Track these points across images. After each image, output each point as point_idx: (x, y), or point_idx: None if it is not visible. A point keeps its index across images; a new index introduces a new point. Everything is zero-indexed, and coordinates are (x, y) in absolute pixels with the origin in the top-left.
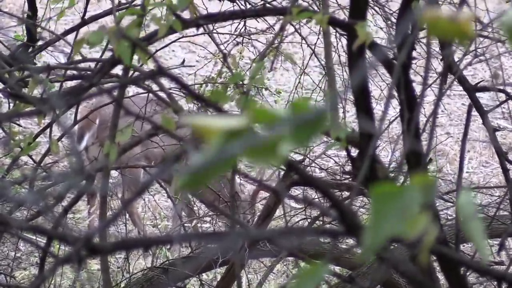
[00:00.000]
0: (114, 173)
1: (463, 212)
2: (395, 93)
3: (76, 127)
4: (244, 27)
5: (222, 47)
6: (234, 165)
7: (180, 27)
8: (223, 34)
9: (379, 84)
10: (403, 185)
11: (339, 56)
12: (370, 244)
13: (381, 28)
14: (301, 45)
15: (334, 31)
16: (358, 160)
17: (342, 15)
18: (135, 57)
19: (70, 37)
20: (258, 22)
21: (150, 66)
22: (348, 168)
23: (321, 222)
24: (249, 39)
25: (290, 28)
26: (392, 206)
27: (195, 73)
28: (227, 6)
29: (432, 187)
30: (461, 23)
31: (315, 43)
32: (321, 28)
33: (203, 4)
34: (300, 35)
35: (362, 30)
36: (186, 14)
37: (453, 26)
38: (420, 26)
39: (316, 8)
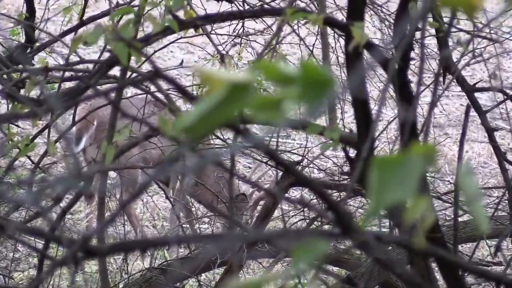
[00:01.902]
0: (112, 174)
1: (464, 187)
2: (393, 94)
3: (74, 128)
4: (242, 28)
5: (220, 48)
6: (237, 115)
7: (176, 26)
8: (221, 35)
9: (378, 85)
10: (403, 153)
11: (337, 57)
12: (373, 210)
13: (379, 29)
14: (299, 46)
15: (332, 32)
16: (356, 161)
17: (340, 16)
18: (133, 58)
19: (68, 38)
20: (257, 23)
21: (148, 67)
22: (346, 168)
23: (319, 223)
24: (247, 40)
25: (288, 29)
26: (394, 173)
27: (193, 73)
28: (225, 7)
29: (432, 155)
30: None
31: (313, 44)
32: (319, 29)
33: (202, 5)
34: (298, 35)
35: (357, 31)
36: (183, 15)
37: None
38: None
39: (314, 9)
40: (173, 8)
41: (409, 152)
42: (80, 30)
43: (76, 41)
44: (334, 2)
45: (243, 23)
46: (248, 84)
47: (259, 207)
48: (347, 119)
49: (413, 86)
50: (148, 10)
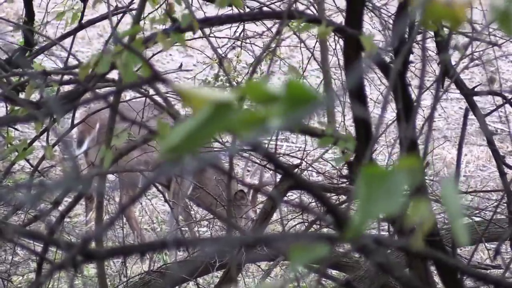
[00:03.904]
0: (111, 177)
1: (446, 202)
2: (392, 97)
3: (76, 131)
4: (242, 31)
5: (219, 51)
6: (220, 132)
7: (184, 41)
8: (220, 38)
9: (377, 87)
10: (390, 168)
11: (338, 59)
12: (358, 223)
13: (379, 31)
14: (300, 48)
15: (332, 34)
16: (355, 164)
17: (340, 18)
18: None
19: (67, 41)
20: (257, 25)
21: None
22: (345, 172)
23: (318, 226)
24: (245, 43)
25: (287, 31)
26: (379, 187)
27: (194, 77)
28: (225, 10)
29: (418, 169)
30: (456, 8)
31: (314, 46)
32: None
33: (201, 8)
34: (299, 38)
35: (367, 40)
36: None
37: (448, 11)
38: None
39: (313, 11)
40: (182, 25)
41: (396, 166)
42: (79, 34)
43: (84, 69)
44: (335, 3)
45: (243, 26)
46: (231, 103)
47: (256, 212)
48: (347, 122)
49: (412, 88)
50: (149, 14)
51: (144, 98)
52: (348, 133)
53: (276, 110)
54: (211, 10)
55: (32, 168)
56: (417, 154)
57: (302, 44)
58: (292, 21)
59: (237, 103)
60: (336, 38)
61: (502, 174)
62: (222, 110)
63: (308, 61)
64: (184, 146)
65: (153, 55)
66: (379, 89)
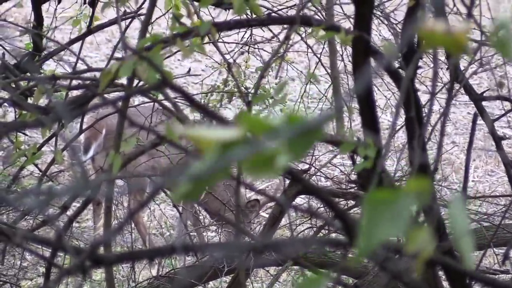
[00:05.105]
0: (120, 182)
1: (453, 221)
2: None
3: (83, 137)
4: (250, 36)
5: (228, 56)
6: (230, 174)
7: (204, 50)
8: (228, 43)
9: (385, 93)
10: (397, 190)
11: (345, 65)
12: (363, 248)
13: (386, 39)
14: (307, 54)
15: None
16: (363, 169)
17: (347, 24)
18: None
19: (76, 46)
20: (264, 31)
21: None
22: (353, 177)
23: (326, 231)
24: (254, 48)
25: (296, 37)
26: (385, 211)
27: (202, 81)
28: (233, 15)
29: (426, 192)
30: (456, 36)
31: (321, 52)
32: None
33: (211, 13)
34: (306, 43)
35: (388, 47)
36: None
37: (448, 39)
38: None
39: (320, 17)
40: (201, 32)
41: (402, 189)
42: (88, 39)
43: (106, 75)
44: (342, 10)
45: (251, 31)
46: (237, 140)
47: (264, 217)
48: (354, 127)
49: (419, 94)
50: (156, 19)
51: (152, 103)
52: (368, 140)
53: (282, 148)
54: (217, 15)
55: (40, 173)
56: (427, 172)
57: (310, 50)
58: (301, 27)
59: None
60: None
61: (511, 179)
62: (230, 148)
63: (316, 66)
64: (195, 192)
65: (163, 60)
66: (385, 95)
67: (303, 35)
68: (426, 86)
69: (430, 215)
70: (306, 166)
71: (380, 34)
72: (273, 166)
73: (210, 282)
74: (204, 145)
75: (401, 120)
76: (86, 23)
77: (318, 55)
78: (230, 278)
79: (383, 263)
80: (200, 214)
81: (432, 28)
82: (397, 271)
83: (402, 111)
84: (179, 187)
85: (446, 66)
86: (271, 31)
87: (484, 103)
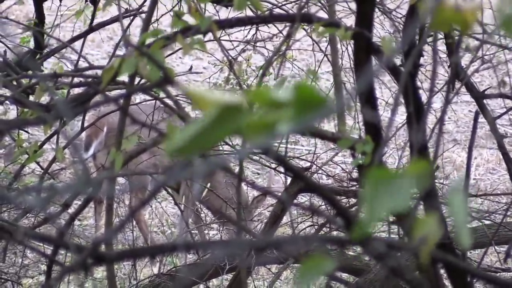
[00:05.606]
0: (121, 180)
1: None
2: (402, 101)
3: (84, 134)
4: (256, 33)
5: (230, 53)
6: (226, 137)
7: (204, 46)
8: (230, 41)
9: (386, 90)
10: (397, 171)
11: (349, 61)
12: (365, 223)
13: (391, 34)
14: (312, 50)
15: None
16: (364, 167)
17: (350, 21)
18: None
19: (78, 44)
20: (269, 27)
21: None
22: (355, 175)
23: (328, 229)
24: (255, 46)
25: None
26: (386, 187)
27: (204, 80)
28: (236, 13)
29: (425, 174)
30: (465, 13)
31: (326, 48)
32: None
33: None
34: (312, 38)
35: (387, 44)
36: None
37: (457, 15)
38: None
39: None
40: (201, 28)
41: (405, 170)
42: (89, 37)
43: (108, 71)
44: (348, 5)
45: (257, 28)
46: (240, 106)
47: (266, 215)
48: (356, 125)
49: (421, 92)
50: (158, 18)
51: (153, 101)
52: (366, 136)
53: (285, 114)
54: (222, 13)
55: (42, 171)
56: (427, 158)
57: (314, 46)
58: (303, 24)
59: (246, 107)
60: (347, 40)
61: None
62: (231, 113)
63: (320, 63)
64: (190, 148)
65: (164, 57)
66: (388, 92)
67: (309, 30)
68: (427, 82)
69: (431, 203)
70: (308, 164)
71: (384, 27)
72: (273, 131)
73: (212, 280)
74: (204, 105)
75: (403, 118)
76: (88, 18)
77: (324, 51)
78: (232, 276)
79: (385, 260)
80: (202, 212)
81: (442, 4)
82: (399, 268)
83: (401, 111)
84: (175, 140)
85: (448, 64)
86: (276, 27)
87: (485, 100)
